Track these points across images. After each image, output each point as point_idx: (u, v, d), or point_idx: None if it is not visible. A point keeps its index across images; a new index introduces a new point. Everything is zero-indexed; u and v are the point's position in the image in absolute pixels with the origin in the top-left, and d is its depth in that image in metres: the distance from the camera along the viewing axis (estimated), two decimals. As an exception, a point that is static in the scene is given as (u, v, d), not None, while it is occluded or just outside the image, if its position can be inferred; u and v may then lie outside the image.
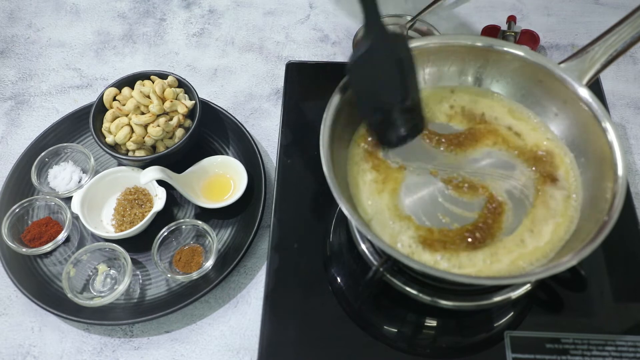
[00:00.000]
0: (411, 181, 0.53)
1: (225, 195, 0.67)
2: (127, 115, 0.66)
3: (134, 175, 0.67)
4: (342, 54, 0.84)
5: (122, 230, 0.64)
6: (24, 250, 0.62)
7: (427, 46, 0.57)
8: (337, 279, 0.59)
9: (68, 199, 0.66)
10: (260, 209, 0.65)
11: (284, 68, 0.76)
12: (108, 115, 0.67)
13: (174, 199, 0.68)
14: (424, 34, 0.80)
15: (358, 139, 0.56)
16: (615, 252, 0.59)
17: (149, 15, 0.89)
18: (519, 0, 0.89)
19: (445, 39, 0.57)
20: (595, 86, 0.68)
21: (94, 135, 0.65)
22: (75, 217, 0.65)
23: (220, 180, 0.69)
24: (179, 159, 0.68)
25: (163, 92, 0.67)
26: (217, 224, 0.66)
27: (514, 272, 0.48)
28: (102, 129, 0.67)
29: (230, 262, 0.62)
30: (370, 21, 0.47)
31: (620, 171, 0.48)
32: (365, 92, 0.51)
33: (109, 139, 0.66)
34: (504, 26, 0.80)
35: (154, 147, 0.67)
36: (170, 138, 0.67)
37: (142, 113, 0.66)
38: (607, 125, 0.50)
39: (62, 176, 0.68)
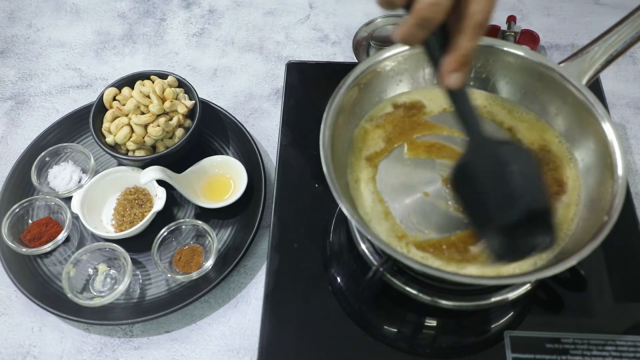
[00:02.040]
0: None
1: (225, 195, 0.67)
2: (127, 115, 0.66)
3: (134, 175, 0.67)
4: (342, 54, 0.84)
5: (122, 230, 0.64)
6: (24, 250, 0.62)
7: (427, 46, 0.57)
8: (337, 279, 0.59)
9: (68, 199, 0.66)
10: (260, 209, 0.65)
11: (284, 68, 0.76)
12: (108, 115, 0.67)
13: (174, 199, 0.68)
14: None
15: (358, 139, 0.56)
16: (615, 252, 0.59)
17: (149, 15, 0.89)
18: (519, 0, 0.89)
19: (445, 39, 0.57)
20: (595, 86, 0.68)
21: (94, 135, 0.65)
22: (75, 217, 0.65)
23: (220, 180, 0.69)
24: (179, 159, 0.68)
25: (163, 92, 0.67)
26: (217, 224, 0.66)
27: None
28: (102, 129, 0.67)
29: (230, 262, 0.62)
30: (472, 134, 0.43)
31: (620, 171, 0.48)
32: (471, 202, 0.46)
33: (109, 139, 0.66)
34: (504, 26, 0.80)
35: (154, 147, 0.67)
36: (170, 138, 0.67)
37: (142, 113, 0.66)
38: (607, 125, 0.50)
39: (62, 176, 0.68)
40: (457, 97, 0.43)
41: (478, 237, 0.49)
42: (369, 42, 0.78)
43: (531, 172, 0.44)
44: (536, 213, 0.44)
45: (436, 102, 0.58)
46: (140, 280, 0.62)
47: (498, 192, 0.43)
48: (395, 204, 0.52)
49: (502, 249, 0.45)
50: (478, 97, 0.58)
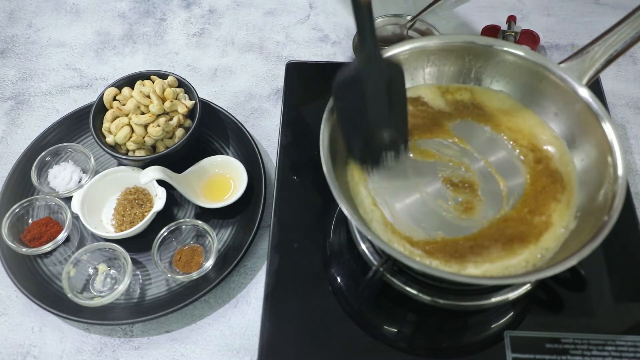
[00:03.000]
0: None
1: (225, 195, 0.67)
2: (127, 115, 0.66)
3: (134, 175, 0.67)
4: (342, 54, 0.84)
5: (122, 230, 0.64)
6: (24, 250, 0.62)
7: (427, 46, 0.57)
8: (337, 279, 0.59)
9: (68, 199, 0.66)
10: (260, 209, 0.65)
11: (284, 68, 0.76)
12: (108, 115, 0.67)
13: (174, 199, 0.68)
14: (424, 34, 0.80)
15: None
16: (615, 252, 0.59)
17: (149, 15, 0.89)
18: (519, 0, 0.89)
19: (445, 39, 0.57)
20: (595, 86, 0.68)
21: (94, 135, 0.65)
22: (75, 217, 0.65)
23: (220, 180, 0.69)
24: (179, 159, 0.68)
25: (163, 92, 0.67)
26: (217, 224, 0.66)
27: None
28: (102, 129, 0.67)
29: (230, 262, 0.62)
30: (364, 43, 0.46)
31: (620, 171, 0.48)
32: (349, 115, 0.50)
33: (109, 139, 0.66)
34: (504, 26, 0.80)
35: (154, 147, 0.67)
36: (170, 138, 0.67)
37: (142, 113, 0.66)
38: (607, 125, 0.50)
39: (62, 176, 0.68)
40: (360, 11, 0.45)
41: (348, 150, 0.53)
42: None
43: (402, 94, 0.51)
44: (400, 130, 0.52)
45: (436, 101, 0.58)
46: (140, 280, 0.62)
47: (375, 107, 0.49)
48: (395, 204, 0.52)
49: (368, 156, 0.52)
50: (479, 97, 0.58)
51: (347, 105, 0.50)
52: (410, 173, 0.54)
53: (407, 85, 0.58)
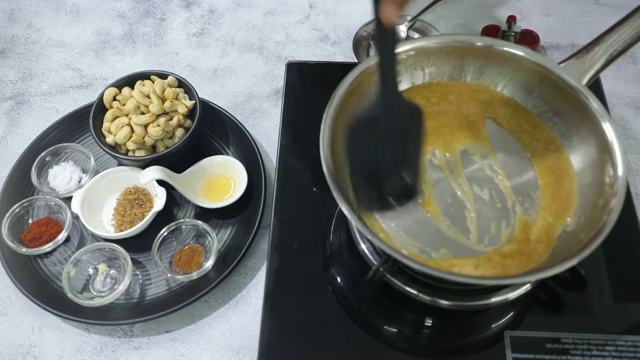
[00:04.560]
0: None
1: (225, 195, 0.67)
2: (127, 115, 0.66)
3: (134, 175, 0.67)
4: (342, 54, 0.84)
5: (122, 230, 0.64)
6: (24, 250, 0.62)
7: (427, 46, 0.57)
8: (337, 279, 0.59)
9: (68, 199, 0.66)
10: (260, 209, 0.65)
11: (284, 68, 0.76)
12: (108, 115, 0.67)
13: (174, 199, 0.68)
14: (424, 33, 0.80)
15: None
16: (615, 252, 0.59)
17: (149, 15, 0.89)
18: (519, 0, 0.89)
19: (445, 39, 0.57)
20: (595, 86, 0.68)
21: (94, 135, 0.65)
22: (75, 217, 0.65)
23: (220, 180, 0.69)
24: (179, 159, 0.68)
25: (163, 92, 0.67)
26: (217, 224, 0.66)
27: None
28: (102, 129, 0.67)
29: (230, 262, 0.62)
30: (385, 85, 0.44)
31: (620, 171, 0.48)
32: (360, 154, 0.48)
33: (109, 139, 0.66)
34: (504, 26, 0.80)
35: (154, 147, 0.67)
36: (170, 138, 0.67)
37: (142, 113, 0.66)
38: (607, 125, 0.50)
39: (62, 176, 0.68)
40: (384, 36, 0.41)
41: (352, 189, 0.51)
42: (369, 42, 0.78)
43: (418, 141, 0.48)
44: (413, 176, 0.50)
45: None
46: (140, 280, 0.62)
47: (388, 151, 0.47)
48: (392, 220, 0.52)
49: (372, 198, 0.51)
50: (480, 96, 0.58)
51: (359, 147, 0.47)
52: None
53: (407, 88, 0.59)
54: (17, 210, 0.65)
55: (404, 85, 0.58)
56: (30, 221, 0.66)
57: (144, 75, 0.69)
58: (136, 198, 0.67)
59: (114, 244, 0.62)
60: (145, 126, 0.65)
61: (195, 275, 0.60)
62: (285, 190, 0.65)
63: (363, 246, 0.57)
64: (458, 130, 0.57)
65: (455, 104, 0.58)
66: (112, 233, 0.64)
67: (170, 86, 0.68)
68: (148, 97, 0.66)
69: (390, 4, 0.39)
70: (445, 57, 0.58)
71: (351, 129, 0.46)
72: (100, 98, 0.67)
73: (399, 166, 0.49)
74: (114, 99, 0.68)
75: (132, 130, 0.66)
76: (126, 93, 0.67)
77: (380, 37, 0.41)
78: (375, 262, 0.55)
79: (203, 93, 0.77)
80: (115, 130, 0.65)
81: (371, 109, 0.45)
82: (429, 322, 0.56)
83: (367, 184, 0.50)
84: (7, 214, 0.64)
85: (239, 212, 0.66)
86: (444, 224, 0.51)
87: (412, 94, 0.58)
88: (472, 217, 0.51)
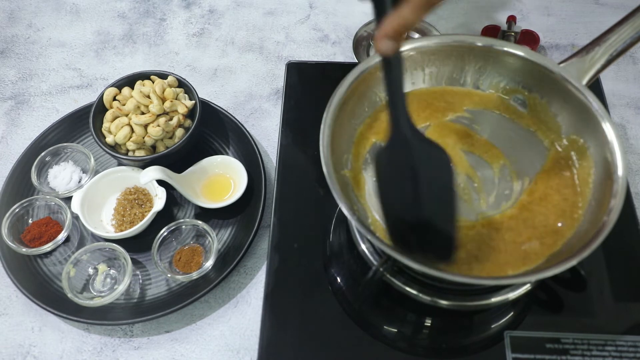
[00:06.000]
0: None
1: (225, 195, 0.67)
2: (127, 115, 0.66)
3: (134, 175, 0.67)
4: (342, 54, 0.84)
5: (122, 230, 0.64)
6: (24, 250, 0.62)
7: (427, 46, 0.57)
8: (337, 279, 0.59)
9: (68, 199, 0.66)
10: (260, 209, 0.65)
11: (284, 68, 0.76)
12: (108, 115, 0.67)
13: (174, 199, 0.68)
14: (424, 34, 0.80)
15: (358, 139, 0.56)
16: (615, 252, 0.59)
17: (149, 15, 0.89)
18: (519, 0, 0.89)
19: (445, 39, 0.57)
20: (595, 86, 0.68)
21: (94, 135, 0.65)
22: (75, 217, 0.65)
23: (220, 180, 0.69)
24: (179, 159, 0.68)
25: (163, 92, 0.67)
26: (217, 224, 0.66)
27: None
28: (102, 129, 0.67)
29: (230, 262, 0.62)
30: (396, 121, 0.42)
31: (620, 171, 0.48)
32: (386, 189, 0.46)
33: (109, 139, 0.66)
34: (504, 26, 0.80)
35: (154, 147, 0.67)
36: (170, 138, 0.67)
37: (142, 113, 0.66)
38: (607, 125, 0.50)
39: (62, 176, 0.68)
40: (388, 67, 0.41)
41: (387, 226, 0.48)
42: (369, 42, 0.78)
43: (447, 183, 0.44)
44: (440, 226, 0.45)
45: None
46: (140, 280, 0.62)
47: (409, 189, 0.44)
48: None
49: (403, 245, 0.46)
50: (480, 95, 0.58)
51: (385, 178, 0.46)
52: None
53: (408, 88, 0.58)
54: (17, 210, 0.65)
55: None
56: (30, 221, 0.66)
57: (144, 75, 0.69)
58: (136, 198, 0.67)
59: (114, 244, 0.62)
60: (145, 126, 0.65)
61: (195, 275, 0.60)
62: (285, 190, 0.65)
63: (363, 246, 0.57)
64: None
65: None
66: (112, 233, 0.64)
67: (170, 86, 0.68)
68: (148, 97, 0.66)
69: (384, 38, 0.39)
70: (445, 58, 0.58)
71: (377, 163, 0.45)
72: (100, 98, 0.67)
73: (414, 209, 0.45)
74: (114, 99, 0.68)
75: (132, 130, 0.66)
76: (126, 93, 0.67)
77: (384, 69, 0.41)
78: (375, 262, 0.55)
79: (203, 93, 0.77)
80: (115, 130, 0.65)
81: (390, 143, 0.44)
82: (428, 322, 0.56)
83: (399, 225, 0.46)
84: (7, 214, 0.64)
85: (239, 212, 0.66)
86: None
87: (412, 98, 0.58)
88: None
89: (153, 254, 0.61)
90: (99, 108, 0.67)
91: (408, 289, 0.54)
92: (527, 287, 0.54)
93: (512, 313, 0.56)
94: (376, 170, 0.47)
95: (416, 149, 0.44)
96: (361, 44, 0.78)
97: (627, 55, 0.81)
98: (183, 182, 0.66)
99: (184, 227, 0.64)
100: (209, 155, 0.69)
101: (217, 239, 0.62)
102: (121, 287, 0.59)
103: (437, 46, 0.57)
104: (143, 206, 0.66)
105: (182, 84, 0.70)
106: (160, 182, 0.65)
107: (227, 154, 0.71)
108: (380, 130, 0.56)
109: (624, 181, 0.47)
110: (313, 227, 0.62)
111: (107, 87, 0.68)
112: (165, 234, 0.63)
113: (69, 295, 0.58)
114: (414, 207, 0.44)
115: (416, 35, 0.80)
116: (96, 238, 0.65)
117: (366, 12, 0.88)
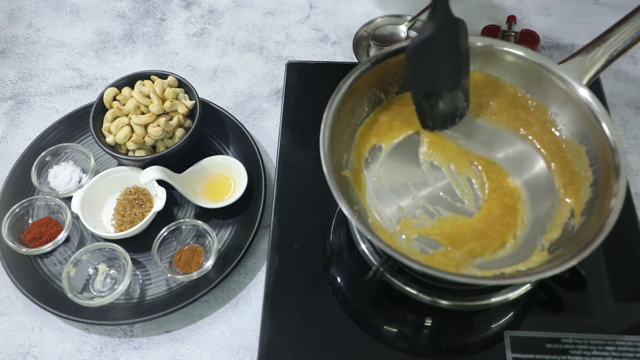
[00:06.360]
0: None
1: (225, 195, 0.67)
2: (127, 115, 0.66)
3: (134, 175, 0.67)
4: (342, 54, 0.84)
5: (122, 230, 0.64)
6: (24, 250, 0.62)
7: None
8: (337, 279, 0.59)
9: (68, 199, 0.66)
10: (260, 209, 0.65)
11: (284, 68, 0.76)
12: (108, 115, 0.67)
13: (174, 199, 0.68)
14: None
15: (359, 139, 0.56)
16: (615, 252, 0.59)
17: (149, 15, 0.89)
18: (519, 0, 0.89)
19: (445, 39, 0.57)
20: (595, 86, 0.68)
21: (94, 135, 0.65)
22: (75, 217, 0.65)
23: (220, 180, 0.69)
24: (179, 159, 0.68)
25: (163, 92, 0.67)
26: (217, 224, 0.66)
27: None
28: (102, 129, 0.67)
29: (230, 262, 0.62)
30: (438, 3, 0.48)
31: (620, 171, 0.48)
32: (421, 76, 0.52)
33: (109, 139, 0.66)
34: (504, 26, 0.80)
35: (154, 147, 0.67)
36: (170, 138, 0.67)
37: (142, 113, 0.66)
38: (607, 125, 0.50)
39: (62, 176, 0.68)
40: None
41: (417, 111, 0.55)
42: (369, 42, 0.78)
43: (468, 54, 0.53)
44: (465, 89, 0.54)
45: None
46: (140, 280, 0.62)
47: (446, 69, 0.52)
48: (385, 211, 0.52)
49: (433, 117, 0.55)
50: (481, 96, 0.58)
51: (419, 67, 0.51)
52: (411, 173, 0.54)
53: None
54: (17, 210, 0.65)
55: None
56: (30, 221, 0.66)
57: (144, 75, 0.69)
58: (136, 198, 0.67)
59: (114, 244, 0.62)
60: (145, 126, 0.65)
61: (195, 275, 0.60)
62: (285, 190, 0.65)
63: (363, 246, 0.57)
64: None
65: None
66: (112, 233, 0.64)
67: (170, 86, 0.68)
68: (148, 97, 0.66)
69: None
70: (445, 57, 0.58)
71: (411, 52, 0.50)
72: (100, 98, 0.67)
73: (456, 83, 0.53)
74: (114, 99, 0.68)
75: (132, 130, 0.66)
76: (126, 93, 0.67)
77: None
78: (375, 262, 0.55)
79: (203, 93, 0.77)
80: (115, 130, 0.65)
81: (427, 31, 0.49)
82: (429, 322, 0.56)
83: (428, 105, 0.54)
84: (7, 214, 0.64)
85: (239, 212, 0.66)
86: None
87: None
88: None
89: (153, 254, 0.61)
90: (99, 108, 0.67)
91: (408, 289, 0.54)
92: (527, 287, 0.54)
93: (512, 313, 0.56)
94: (415, 59, 0.51)
95: (452, 28, 0.50)
96: (361, 44, 0.78)
97: (627, 55, 0.81)
98: (183, 182, 0.66)
99: (184, 227, 0.64)
100: (209, 155, 0.69)
101: (217, 239, 0.62)
102: (121, 287, 0.59)
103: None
104: (143, 206, 0.66)
105: (182, 84, 0.70)
106: (160, 182, 0.65)
107: (227, 154, 0.71)
108: (380, 131, 0.56)
109: (624, 181, 0.47)
110: (313, 227, 0.62)
111: (107, 87, 0.68)
112: (165, 234, 0.63)
113: (69, 295, 0.58)
114: (454, 79, 0.53)
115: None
116: (96, 238, 0.65)
117: (366, 12, 0.88)
